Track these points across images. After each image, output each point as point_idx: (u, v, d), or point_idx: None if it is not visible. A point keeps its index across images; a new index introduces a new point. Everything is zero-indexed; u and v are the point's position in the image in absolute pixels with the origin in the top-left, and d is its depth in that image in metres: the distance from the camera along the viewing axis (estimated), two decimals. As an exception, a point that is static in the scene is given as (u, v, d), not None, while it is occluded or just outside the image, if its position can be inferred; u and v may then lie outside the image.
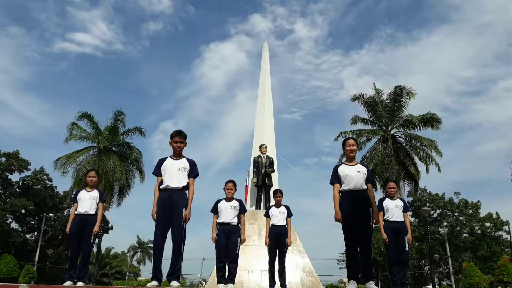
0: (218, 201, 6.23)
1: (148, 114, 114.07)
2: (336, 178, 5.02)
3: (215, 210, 6.18)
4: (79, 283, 5.73)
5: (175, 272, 4.72)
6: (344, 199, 4.89)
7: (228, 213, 6.04)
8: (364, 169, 5.00)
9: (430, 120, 21.76)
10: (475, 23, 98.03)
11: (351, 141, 5.13)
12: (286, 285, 6.85)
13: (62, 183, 59.37)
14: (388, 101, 22.84)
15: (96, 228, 6.04)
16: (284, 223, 6.99)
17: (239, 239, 6.05)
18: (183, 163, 4.97)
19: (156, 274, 4.72)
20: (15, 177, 36.85)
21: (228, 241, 5.96)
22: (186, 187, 4.92)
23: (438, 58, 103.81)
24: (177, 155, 5.04)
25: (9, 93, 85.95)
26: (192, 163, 5.02)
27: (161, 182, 4.92)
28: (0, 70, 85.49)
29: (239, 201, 6.24)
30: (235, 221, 6.06)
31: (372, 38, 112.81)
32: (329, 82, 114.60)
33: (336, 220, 4.87)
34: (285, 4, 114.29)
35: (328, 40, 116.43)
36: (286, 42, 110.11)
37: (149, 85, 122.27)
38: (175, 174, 4.87)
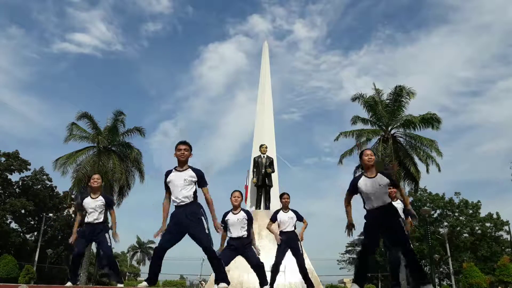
0: (225, 214, 6.03)
1: (147, 114, 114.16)
2: (352, 191, 4.85)
3: (224, 225, 5.98)
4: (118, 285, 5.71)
5: (223, 275, 4.71)
6: (369, 217, 4.75)
7: (236, 226, 5.89)
8: (385, 181, 4.69)
9: (430, 120, 21.72)
10: (474, 24, 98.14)
11: (368, 152, 4.84)
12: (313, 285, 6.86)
13: (62, 183, 59.42)
14: (388, 101, 22.80)
15: (115, 235, 5.97)
16: (293, 229, 6.88)
17: (252, 247, 5.96)
18: (189, 174, 4.74)
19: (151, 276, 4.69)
20: (15, 177, 36.84)
21: (242, 253, 5.87)
22: (195, 198, 4.75)
23: (437, 58, 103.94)
24: (182, 164, 4.80)
25: (9, 93, 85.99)
26: (199, 174, 4.80)
27: (170, 198, 4.78)
28: (0, 71, 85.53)
29: (246, 212, 6.05)
30: (245, 233, 5.91)
31: (371, 39, 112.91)
32: (329, 83, 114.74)
33: (349, 227, 4.87)
34: (284, 5, 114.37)
35: (327, 41, 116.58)
36: (285, 43, 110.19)
37: (148, 86, 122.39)
38: (182, 188, 4.68)
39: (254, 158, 12.03)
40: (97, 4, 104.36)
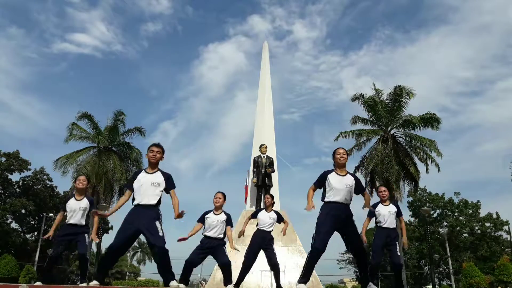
0: (206, 212, 6.06)
1: (147, 114, 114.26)
2: (319, 183, 5.02)
3: (201, 220, 6.03)
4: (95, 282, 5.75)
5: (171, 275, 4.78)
6: (328, 209, 4.87)
7: (215, 227, 5.88)
8: (352, 181, 4.93)
9: (430, 120, 21.74)
10: (474, 24, 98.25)
11: (341, 150, 5.06)
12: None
13: (62, 183, 59.54)
14: (388, 101, 22.83)
15: (93, 236, 6.03)
16: (271, 229, 6.84)
17: (224, 247, 5.92)
18: (158, 178, 4.79)
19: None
20: (15, 177, 36.90)
21: (212, 252, 5.85)
22: (158, 203, 4.77)
23: (437, 58, 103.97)
24: (153, 166, 4.87)
25: (9, 93, 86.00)
26: (167, 177, 4.85)
27: (133, 197, 4.78)
28: (0, 71, 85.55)
29: (227, 214, 6.05)
30: (221, 236, 5.93)
31: (370, 39, 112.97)
32: (328, 83, 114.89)
33: (307, 208, 4.93)
34: (284, 5, 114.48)
35: (327, 41, 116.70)
36: (285, 43, 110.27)
37: (148, 86, 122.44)
38: (149, 191, 4.70)
39: (254, 158, 12.05)
40: (97, 4, 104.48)
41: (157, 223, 4.66)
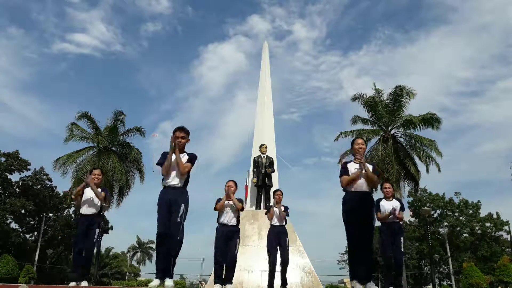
0: (219, 200, 6.25)
1: (147, 114, 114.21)
2: (346, 173, 5.06)
3: (218, 201, 6.21)
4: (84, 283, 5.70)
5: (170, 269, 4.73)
6: (348, 200, 4.94)
7: (228, 213, 6.05)
8: (370, 167, 5.02)
9: (430, 120, 21.70)
10: (473, 24, 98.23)
11: (360, 140, 5.19)
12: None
13: (62, 183, 59.42)
14: (388, 101, 22.78)
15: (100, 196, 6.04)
16: (284, 223, 7.03)
17: (238, 240, 6.08)
18: (185, 160, 4.90)
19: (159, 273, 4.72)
20: (15, 177, 36.84)
21: (227, 243, 5.98)
22: (185, 184, 4.92)
23: (436, 59, 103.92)
24: (180, 151, 4.94)
25: (9, 93, 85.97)
26: (191, 157, 4.96)
27: (163, 178, 4.91)
28: (0, 71, 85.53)
29: (239, 199, 6.20)
30: (234, 222, 6.09)
31: (370, 39, 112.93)
32: (328, 83, 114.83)
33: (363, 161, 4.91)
34: (284, 5, 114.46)
35: (327, 41, 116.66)
36: (284, 43, 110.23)
37: (148, 86, 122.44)
38: (175, 171, 4.83)
39: (254, 158, 12.02)
40: (97, 4, 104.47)
41: (182, 206, 4.76)
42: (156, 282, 4.59)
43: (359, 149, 5.06)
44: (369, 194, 4.95)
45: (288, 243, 6.98)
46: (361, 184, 4.90)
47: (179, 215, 4.72)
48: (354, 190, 4.90)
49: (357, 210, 4.79)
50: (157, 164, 5.00)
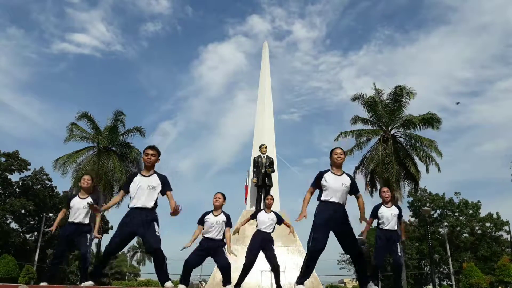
0: (205, 214, 5.97)
1: (147, 114, 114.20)
2: (316, 183, 4.99)
3: (201, 222, 5.93)
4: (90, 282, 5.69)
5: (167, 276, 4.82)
6: (322, 207, 4.86)
7: (214, 228, 5.80)
8: (348, 182, 4.94)
9: (430, 120, 21.69)
10: (473, 24, 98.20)
11: (338, 150, 5.07)
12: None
13: (62, 183, 59.46)
14: (388, 101, 22.78)
15: (95, 233, 6.08)
16: (271, 231, 6.81)
17: (224, 248, 5.85)
18: (154, 181, 4.77)
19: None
20: (15, 177, 36.87)
21: (212, 254, 5.81)
22: (155, 206, 4.77)
23: (436, 59, 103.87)
24: (148, 169, 4.85)
25: (9, 93, 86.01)
26: (163, 179, 4.83)
27: (130, 200, 4.77)
28: (0, 71, 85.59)
29: (227, 215, 5.95)
30: (220, 237, 5.85)
31: (370, 39, 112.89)
32: (328, 83, 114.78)
33: (298, 219, 4.92)
34: (283, 5, 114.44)
35: (327, 41, 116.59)
36: (284, 43, 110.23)
37: (148, 86, 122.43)
38: (145, 194, 4.69)
39: (254, 158, 12.02)
40: (97, 4, 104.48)
41: (155, 224, 4.68)
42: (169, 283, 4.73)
43: (338, 158, 4.96)
44: (343, 207, 4.89)
45: (273, 248, 6.75)
46: (336, 196, 4.82)
47: (156, 231, 4.66)
48: (329, 200, 4.83)
49: (332, 222, 4.74)
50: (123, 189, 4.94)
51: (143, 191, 4.70)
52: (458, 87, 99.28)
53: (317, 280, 9.99)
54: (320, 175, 4.97)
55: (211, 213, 5.94)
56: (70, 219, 5.97)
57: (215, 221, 5.83)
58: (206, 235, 5.83)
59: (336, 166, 5.00)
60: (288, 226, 7.18)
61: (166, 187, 4.82)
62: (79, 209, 5.96)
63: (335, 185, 4.84)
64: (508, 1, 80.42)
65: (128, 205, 4.76)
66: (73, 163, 23.48)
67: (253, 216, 7.00)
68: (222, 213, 5.93)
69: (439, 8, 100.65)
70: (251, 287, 9.28)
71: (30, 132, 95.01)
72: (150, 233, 4.60)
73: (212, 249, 5.78)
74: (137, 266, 62.66)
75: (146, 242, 4.62)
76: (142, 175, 4.85)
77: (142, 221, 4.61)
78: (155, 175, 4.84)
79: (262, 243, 6.68)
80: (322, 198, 4.88)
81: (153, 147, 4.88)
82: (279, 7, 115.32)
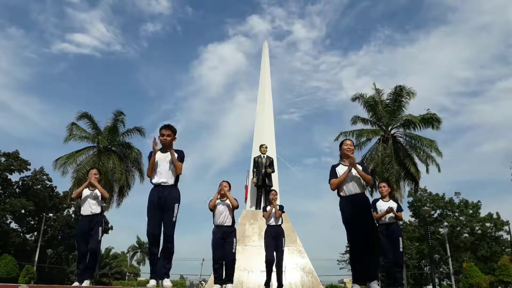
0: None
1: (147, 114, 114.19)
2: (334, 176, 4.99)
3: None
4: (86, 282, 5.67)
5: (167, 270, 4.71)
6: (344, 206, 4.88)
7: (222, 213, 6.06)
8: (359, 168, 4.95)
9: (430, 120, 21.70)
10: (473, 24, 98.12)
11: (348, 142, 5.11)
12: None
13: (62, 183, 59.40)
14: (388, 101, 22.79)
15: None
16: (280, 223, 7.04)
17: (234, 239, 6.09)
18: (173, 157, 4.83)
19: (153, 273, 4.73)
20: (15, 177, 36.90)
21: (224, 243, 5.98)
22: (177, 181, 4.86)
23: (436, 59, 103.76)
24: (165, 148, 4.87)
25: (8, 93, 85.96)
26: (179, 152, 4.88)
27: (152, 176, 4.82)
28: (0, 71, 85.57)
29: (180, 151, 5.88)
30: (229, 222, 6.10)
31: (370, 39, 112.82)
32: (328, 83, 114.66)
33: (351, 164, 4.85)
34: (283, 5, 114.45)
35: (327, 41, 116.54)
36: (284, 43, 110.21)
37: (148, 86, 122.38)
38: (166, 170, 4.76)
39: (254, 158, 12.01)
40: (97, 4, 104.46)
41: (176, 206, 4.72)
42: (153, 282, 4.57)
43: (348, 149, 4.98)
44: (363, 195, 4.89)
45: (284, 244, 6.95)
46: (352, 187, 4.84)
47: (175, 215, 4.68)
48: (347, 195, 4.84)
49: (356, 214, 4.73)
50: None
51: (164, 167, 4.76)
52: (458, 87, 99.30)
53: (317, 280, 9.99)
54: (333, 169, 5.02)
55: (219, 200, 6.24)
56: (83, 213, 5.91)
57: (224, 204, 6.13)
58: (216, 222, 6.10)
59: (346, 157, 5.03)
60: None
61: (179, 158, 4.83)
62: (91, 200, 5.91)
63: (348, 177, 4.85)
64: (508, 1, 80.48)
65: (151, 181, 4.80)
66: (73, 163, 23.50)
67: (265, 210, 7.23)
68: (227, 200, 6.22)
69: (439, 8, 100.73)
70: (251, 286, 9.29)
71: (30, 132, 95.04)
72: (168, 215, 4.67)
73: (223, 237, 6.04)
74: (137, 266, 62.66)
75: (163, 227, 4.68)
76: (162, 152, 4.89)
77: (166, 198, 4.67)
78: (172, 151, 4.86)
79: (275, 237, 6.87)
80: (341, 193, 4.91)
81: (167, 127, 4.84)
82: (279, 7, 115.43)
